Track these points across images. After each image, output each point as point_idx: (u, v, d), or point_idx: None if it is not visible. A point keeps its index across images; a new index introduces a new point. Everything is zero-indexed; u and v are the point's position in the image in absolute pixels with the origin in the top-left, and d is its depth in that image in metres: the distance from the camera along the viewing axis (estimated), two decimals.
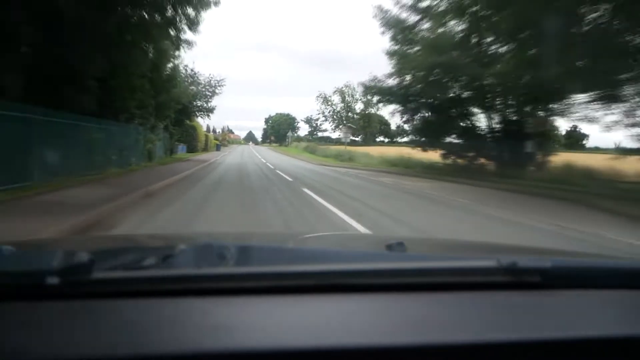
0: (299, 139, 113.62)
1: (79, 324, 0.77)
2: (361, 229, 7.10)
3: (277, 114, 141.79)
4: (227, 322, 0.79)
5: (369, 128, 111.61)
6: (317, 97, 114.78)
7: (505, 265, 0.96)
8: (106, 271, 0.88)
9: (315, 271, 0.97)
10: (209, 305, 0.85)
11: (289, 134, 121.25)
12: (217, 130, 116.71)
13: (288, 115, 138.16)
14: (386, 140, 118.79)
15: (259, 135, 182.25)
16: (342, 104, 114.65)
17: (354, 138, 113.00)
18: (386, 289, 0.94)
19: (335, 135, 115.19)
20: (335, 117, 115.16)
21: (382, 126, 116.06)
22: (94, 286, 0.85)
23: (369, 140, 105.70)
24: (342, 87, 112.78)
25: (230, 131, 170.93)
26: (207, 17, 15.85)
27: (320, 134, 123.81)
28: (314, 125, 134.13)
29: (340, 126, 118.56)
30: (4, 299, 0.81)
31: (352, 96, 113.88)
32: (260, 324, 0.79)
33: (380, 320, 0.85)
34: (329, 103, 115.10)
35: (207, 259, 1.02)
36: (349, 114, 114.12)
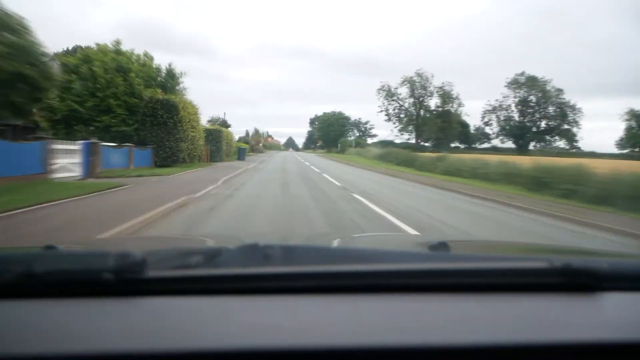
0: (358, 143, 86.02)
1: (132, 320, 0.80)
2: None
3: (324, 113, 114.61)
4: (274, 321, 0.80)
5: (448, 130, 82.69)
6: (379, 90, 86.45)
7: (558, 267, 0.94)
8: (157, 270, 0.90)
9: (362, 271, 0.95)
10: (256, 304, 0.86)
11: (350, 136, 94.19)
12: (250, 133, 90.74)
13: (340, 114, 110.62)
14: (462, 146, 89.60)
15: (299, 142, 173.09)
16: (412, 99, 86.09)
17: (425, 143, 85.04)
18: (435, 290, 0.93)
19: (402, 138, 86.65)
20: (403, 115, 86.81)
21: (460, 128, 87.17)
22: (146, 285, 0.87)
23: (444, 146, 76.72)
24: (412, 77, 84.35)
25: (269, 136, 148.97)
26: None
27: (369, 140, 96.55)
28: (363, 129, 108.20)
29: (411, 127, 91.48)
30: (63, 296, 0.84)
31: (425, 88, 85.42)
32: (307, 322, 0.80)
33: (431, 320, 0.84)
34: (394, 97, 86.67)
35: (253, 258, 1.02)
36: (421, 111, 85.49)
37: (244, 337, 0.73)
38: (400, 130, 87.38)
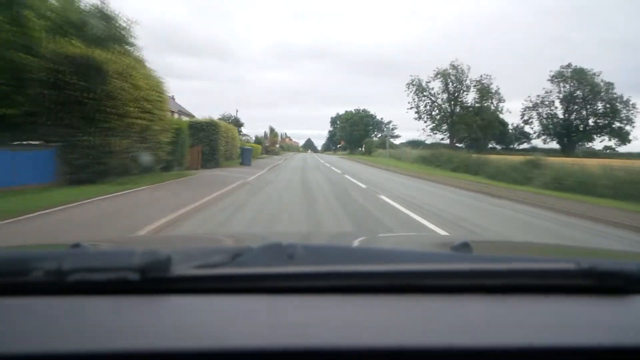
0: (389, 143, 76.55)
1: (157, 318, 0.80)
2: None
3: (347, 112, 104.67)
4: (298, 320, 0.80)
5: (488, 129, 72.18)
6: (409, 84, 76.16)
7: (585, 268, 0.92)
8: (182, 269, 0.90)
9: (387, 271, 0.94)
10: (281, 303, 0.86)
11: (376, 136, 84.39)
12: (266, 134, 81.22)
13: (364, 112, 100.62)
14: (499, 147, 79.13)
15: (318, 143, 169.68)
16: (446, 94, 75.77)
17: (459, 145, 74.71)
18: (461, 291, 0.92)
19: (434, 138, 76.60)
20: (436, 112, 76.57)
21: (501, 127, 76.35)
22: (171, 283, 0.88)
23: (481, 147, 66.34)
24: (446, 69, 74.02)
25: (287, 137, 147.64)
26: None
27: (392, 141, 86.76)
28: (384, 129, 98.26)
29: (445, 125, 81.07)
30: (89, 294, 0.85)
31: (461, 82, 75.10)
32: (331, 322, 0.80)
33: (457, 322, 0.83)
34: (426, 93, 76.50)
35: (277, 257, 1.01)
36: (457, 107, 75.17)
37: (268, 336, 0.73)
38: (432, 129, 77.28)
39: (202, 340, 0.71)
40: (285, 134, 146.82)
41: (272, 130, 64.97)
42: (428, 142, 75.34)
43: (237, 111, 67.22)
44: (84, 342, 0.70)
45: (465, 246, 1.20)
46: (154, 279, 0.85)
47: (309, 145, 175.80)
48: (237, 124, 60.07)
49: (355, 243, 1.81)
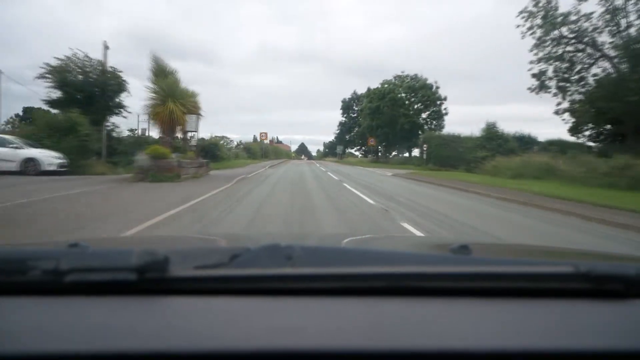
0: (494, 139, 30.81)
1: (154, 319, 0.80)
2: None
3: (383, 83, 56.61)
4: (297, 322, 0.80)
5: None
6: (525, 12, 29.40)
7: (583, 271, 0.92)
8: (180, 270, 0.90)
9: (385, 273, 0.94)
10: (279, 305, 0.86)
11: (433, 126, 38.43)
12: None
13: (416, 78, 52.19)
14: None
15: (312, 149, 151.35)
16: (609, 37, 29.22)
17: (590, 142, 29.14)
18: (457, 294, 0.92)
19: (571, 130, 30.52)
20: (598, 68, 30.14)
21: None
22: (169, 284, 0.87)
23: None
24: None
25: (279, 141, 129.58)
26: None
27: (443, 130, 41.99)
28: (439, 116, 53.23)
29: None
30: (86, 294, 0.85)
31: None
32: (331, 324, 0.80)
33: (454, 324, 0.83)
34: (563, 29, 29.89)
35: (275, 259, 1.00)
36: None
37: (266, 338, 0.73)
38: (576, 108, 30.46)
39: (200, 341, 0.71)
40: (277, 138, 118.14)
41: (158, 70, 17.04)
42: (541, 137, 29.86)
43: (106, 47, 21.38)
44: (80, 342, 0.70)
45: (464, 248, 1.18)
46: (151, 280, 0.85)
47: (302, 151, 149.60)
48: (102, 79, 15.43)
49: (354, 245, 1.81)
